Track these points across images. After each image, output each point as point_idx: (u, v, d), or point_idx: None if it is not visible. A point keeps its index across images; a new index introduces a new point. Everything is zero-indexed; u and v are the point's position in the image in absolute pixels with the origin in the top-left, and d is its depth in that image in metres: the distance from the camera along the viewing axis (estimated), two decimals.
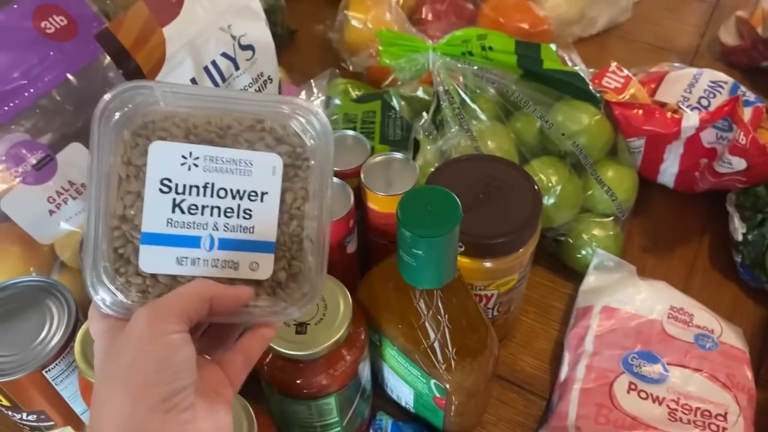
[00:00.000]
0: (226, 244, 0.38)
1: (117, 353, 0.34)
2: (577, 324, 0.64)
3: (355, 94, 0.78)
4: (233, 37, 0.57)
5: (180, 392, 0.33)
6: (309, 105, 0.38)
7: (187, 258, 0.37)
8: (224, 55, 0.56)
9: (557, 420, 0.58)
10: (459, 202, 0.42)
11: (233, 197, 0.38)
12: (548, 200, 0.64)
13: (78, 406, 0.53)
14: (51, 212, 0.55)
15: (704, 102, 0.74)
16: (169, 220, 0.37)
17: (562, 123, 0.65)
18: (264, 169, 0.38)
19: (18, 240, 0.56)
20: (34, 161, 0.53)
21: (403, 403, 0.59)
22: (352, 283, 0.52)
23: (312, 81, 0.79)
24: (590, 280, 0.67)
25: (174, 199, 0.37)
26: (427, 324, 0.48)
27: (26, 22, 0.54)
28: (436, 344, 0.49)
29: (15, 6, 0.53)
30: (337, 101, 0.75)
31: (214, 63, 0.56)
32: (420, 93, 0.75)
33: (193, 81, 0.55)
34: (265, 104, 0.38)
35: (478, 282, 0.56)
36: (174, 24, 0.53)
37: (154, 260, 0.37)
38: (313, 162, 0.39)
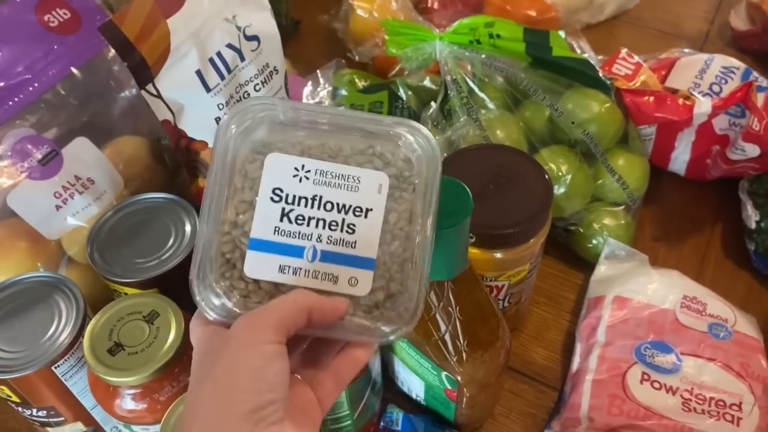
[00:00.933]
0: (327, 257, 0.38)
1: (213, 357, 0.34)
2: (588, 314, 0.63)
3: (361, 84, 0.77)
4: (238, 28, 0.56)
5: (270, 405, 0.32)
6: (419, 126, 0.39)
7: (289, 267, 0.38)
8: (229, 46, 0.56)
9: (570, 411, 0.57)
10: (470, 193, 0.42)
11: (339, 211, 0.38)
12: (558, 190, 0.64)
13: (87, 401, 0.53)
14: (58, 207, 0.55)
15: (716, 88, 0.73)
16: (277, 228, 0.38)
17: (572, 111, 0.64)
18: (371, 186, 0.39)
19: (25, 235, 0.56)
20: (39, 156, 0.53)
21: (414, 396, 0.59)
22: None
23: (318, 71, 0.79)
24: (601, 269, 0.66)
25: (283, 209, 0.38)
26: (438, 316, 0.48)
27: (29, 15, 0.53)
28: (447, 336, 0.49)
29: None
30: (344, 92, 0.75)
31: (219, 54, 0.55)
32: (427, 83, 0.75)
33: (198, 73, 0.54)
34: (378, 123, 0.39)
35: (488, 273, 0.56)
36: (178, 15, 0.52)
37: (258, 266, 0.38)
38: (417, 181, 0.39)
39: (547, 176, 0.55)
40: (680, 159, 0.71)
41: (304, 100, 0.75)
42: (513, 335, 0.66)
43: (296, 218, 0.38)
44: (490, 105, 0.67)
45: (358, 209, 0.39)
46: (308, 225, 0.38)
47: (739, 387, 0.57)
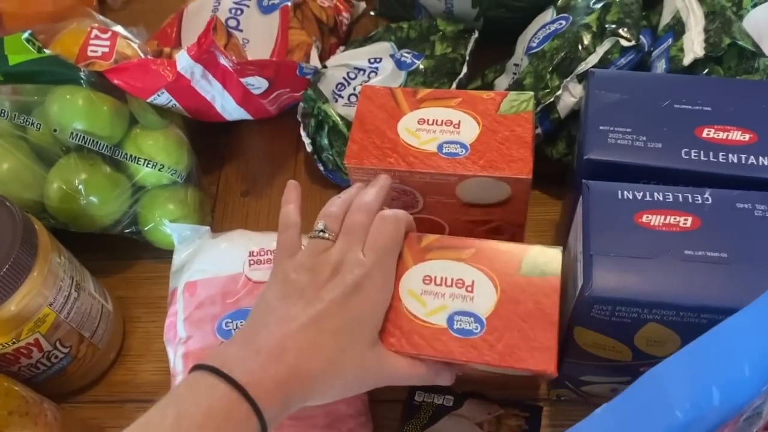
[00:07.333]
0: None
1: None
2: (168, 313, 0.58)
3: None
4: None
5: None
6: None
7: None
8: None
9: None
10: None
11: None
12: (86, 202, 0.57)
13: None
14: None
15: (232, 22, 0.69)
16: None
17: (57, 115, 0.57)
18: None
19: None
20: None
21: None
22: None
23: None
24: (178, 258, 0.61)
25: None
26: None
27: None
28: None
29: None
30: None
31: None
32: None
33: None
34: None
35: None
36: None
37: None
38: None
39: (10, 205, 0.48)
40: (229, 107, 0.66)
41: None
42: (118, 363, 0.60)
43: None
44: None
45: None
46: None
47: None
